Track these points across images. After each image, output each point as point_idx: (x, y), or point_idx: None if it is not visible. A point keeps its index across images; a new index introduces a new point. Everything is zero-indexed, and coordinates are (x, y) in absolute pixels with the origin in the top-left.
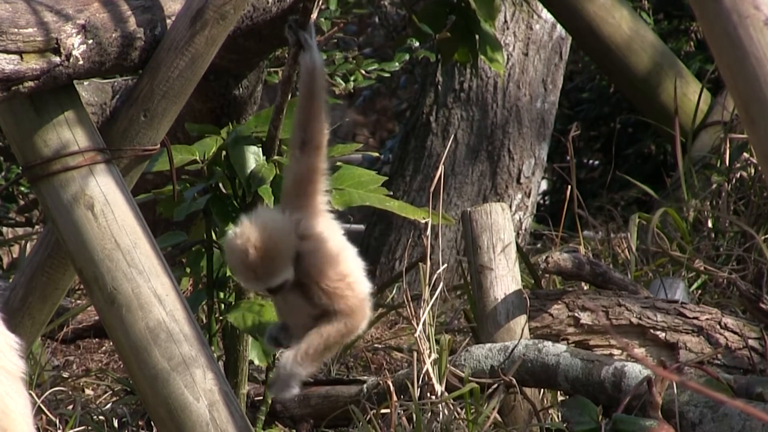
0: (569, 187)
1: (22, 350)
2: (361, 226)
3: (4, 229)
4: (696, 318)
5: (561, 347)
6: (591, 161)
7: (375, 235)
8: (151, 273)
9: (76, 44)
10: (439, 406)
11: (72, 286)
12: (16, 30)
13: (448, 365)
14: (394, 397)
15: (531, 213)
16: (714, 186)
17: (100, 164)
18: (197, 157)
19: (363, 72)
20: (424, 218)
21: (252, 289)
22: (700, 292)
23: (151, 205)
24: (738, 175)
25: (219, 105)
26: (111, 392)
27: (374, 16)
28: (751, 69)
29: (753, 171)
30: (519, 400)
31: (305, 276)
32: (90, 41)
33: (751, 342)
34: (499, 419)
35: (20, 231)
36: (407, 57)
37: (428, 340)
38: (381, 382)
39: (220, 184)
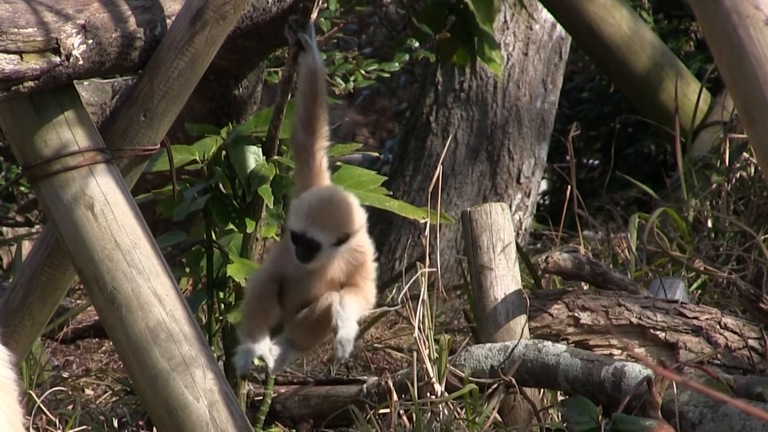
0: (569, 187)
1: (12, 361)
2: None
3: (4, 229)
4: (696, 318)
5: (561, 347)
6: (591, 161)
7: (375, 235)
8: (151, 273)
9: (76, 44)
10: (439, 406)
11: (72, 286)
12: (16, 30)
13: (448, 365)
14: (395, 397)
15: (531, 213)
16: (714, 186)
17: (100, 164)
18: (197, 157)
19: (363, 72)
20: (423, 218)
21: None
22: (700, 292)
23: (151, 205)
24: (738, 175)
25: (219, 105)
26: (111, 392)
27: (374, 16)
28: (751, 69)
29: (753, 171)
30: (519, 400)
31: (343, 275)
32: (90, 41)
33: (751, 342)
34: (499, 419)
35: (20, 231)
36: (407, 57)
37: (428, 340)
38: (381, 382)
39: (220, 184)
